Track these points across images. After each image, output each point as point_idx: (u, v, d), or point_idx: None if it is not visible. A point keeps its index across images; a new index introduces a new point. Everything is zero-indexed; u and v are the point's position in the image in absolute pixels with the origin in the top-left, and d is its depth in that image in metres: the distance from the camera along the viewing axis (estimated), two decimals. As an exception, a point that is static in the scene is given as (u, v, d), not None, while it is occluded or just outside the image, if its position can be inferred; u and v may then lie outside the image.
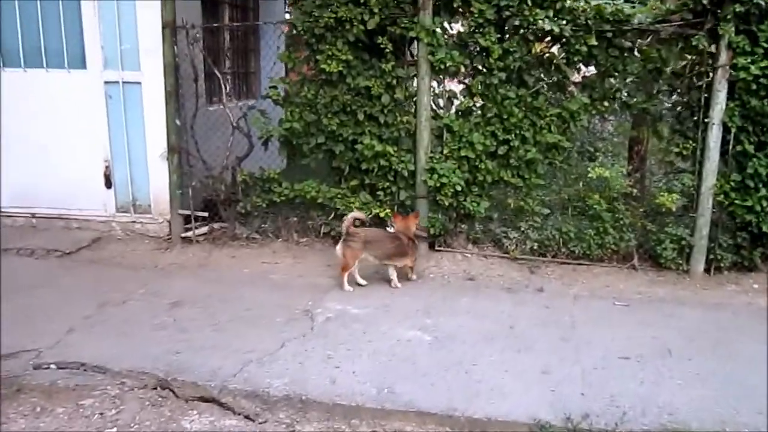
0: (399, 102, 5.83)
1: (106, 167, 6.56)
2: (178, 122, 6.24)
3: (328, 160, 6.16)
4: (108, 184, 6.60)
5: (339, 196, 6.08)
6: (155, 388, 3.75)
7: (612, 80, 5.63)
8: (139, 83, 6.31)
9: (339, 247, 5.20)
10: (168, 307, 4.89)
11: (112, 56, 6.29)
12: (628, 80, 5.62)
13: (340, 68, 5.69)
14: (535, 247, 5.85)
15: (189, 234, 6.41)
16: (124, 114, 6.40)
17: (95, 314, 4.72)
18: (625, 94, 5.65)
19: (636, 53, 5.55)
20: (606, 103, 5.67)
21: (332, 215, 6.19)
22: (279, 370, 3.89)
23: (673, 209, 5.56)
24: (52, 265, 5.89)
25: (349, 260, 5.17)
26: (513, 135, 5.65)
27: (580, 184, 6.09)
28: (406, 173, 5.89)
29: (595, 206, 5.66)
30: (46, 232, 6.61)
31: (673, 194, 5.56)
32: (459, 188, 5.70)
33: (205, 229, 6.49)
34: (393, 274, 5.34)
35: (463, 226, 6.05)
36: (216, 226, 6.53)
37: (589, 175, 5.78)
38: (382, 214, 5.93)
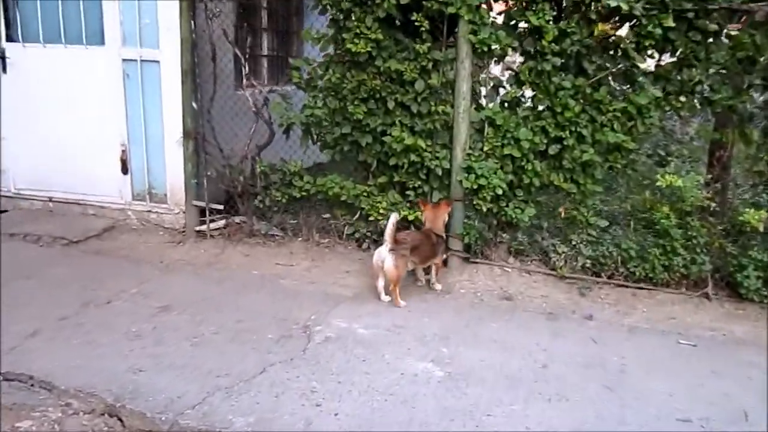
0: (435, 89, 5.05)
1: (123, 152, 6.13)
2: (194, 105, 5.71)
3: (354, 153, 5.47)
4: (124, 169, 6.18)
5: (365, 194, 5.40)
6: (103, 414, 3.17)
7: (692, 71, 4.69)
8: (158, 62, 5.82)
9: (389, 258, 4.43)
10: (154, 311, 4.34)
11: (131, 32, 5.83)
12: (711, 71, 4.69)
13: (369, 49, 4.96)
14: (588, 265, 5.01)
15: (204, 227, 5.89)
16: (141, 95, 5.94)
17: (72, 315, 4.22)
18: (707, 88, 4.71)
19: (723, 38, 4.63)
20: (683, 99, 4.76)
21: (357, 215, 5.53)
22: (248, 403, 3.23)
23: (760, 229, 4.62)
24: (54, 254, 5.51)
25: (402, 272, 4.55)
26: (567, 132, 4.82)
27: (647, 193, 5.21)
28: (440, 171, 5.13)
29: (663, 220, 4.79)
30: (60, 218, 6.29)
31: (761, 211, 4.63)
32: (500, 191, 4.93)
33: (221, 223, 5.97)
34: (434, 275, 4.93)
35: (503, 235, 5.26)
36: (236, 219, 5.99)
37: (658, 183, 4.88)
38: (411, 218, 5.21)
